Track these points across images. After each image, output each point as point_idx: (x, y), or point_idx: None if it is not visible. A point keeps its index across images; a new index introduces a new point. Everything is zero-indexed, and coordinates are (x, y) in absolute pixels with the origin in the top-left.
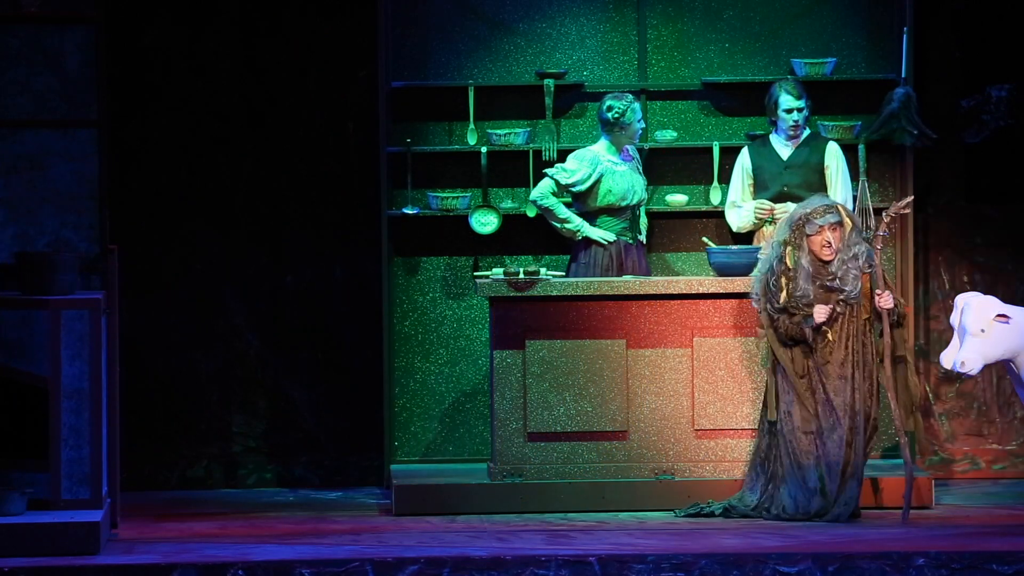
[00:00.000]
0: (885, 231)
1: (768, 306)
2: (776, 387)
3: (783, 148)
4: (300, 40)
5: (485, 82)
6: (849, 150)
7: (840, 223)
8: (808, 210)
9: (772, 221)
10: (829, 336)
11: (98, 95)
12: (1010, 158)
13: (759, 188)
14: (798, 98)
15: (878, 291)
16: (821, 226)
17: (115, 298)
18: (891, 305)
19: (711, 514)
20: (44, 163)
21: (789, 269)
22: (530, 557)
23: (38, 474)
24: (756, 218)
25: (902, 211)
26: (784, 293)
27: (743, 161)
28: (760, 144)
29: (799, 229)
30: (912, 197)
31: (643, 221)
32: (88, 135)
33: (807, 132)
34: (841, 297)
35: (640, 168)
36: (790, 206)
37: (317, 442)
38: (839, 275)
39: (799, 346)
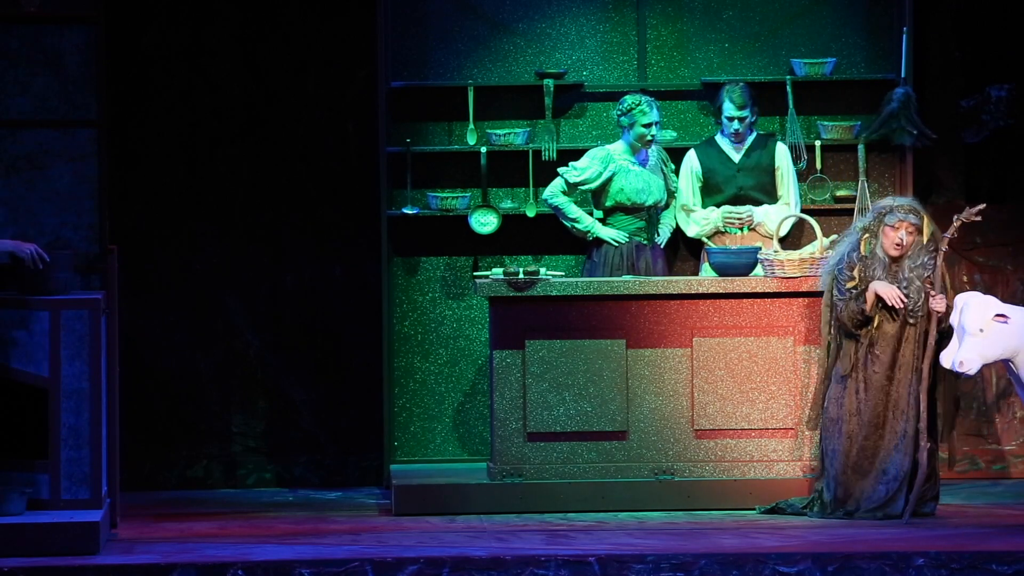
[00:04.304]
0: (954, 234)
1: (835, 293)
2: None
3: (732, 151)
4: (300, 40)
5: (485, 82)
6: (849, 150)
7: (919, 229)
8: (895, 203)
9: (752, 229)
10: (879, 332)
11: (98, 95)
12: (1010, 158)
13: (711, 192)
14: (739, 108)
15: (933, 292)
16: (901, 220)
17: (115, 298)
18: (942, 309)
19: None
20: (44, 163)
21: (864, 257)
22: (530, 557)
23: (38, 474)
24: (725, 225)
25: (973, 218)
26: (854, 282)
27: (691, 164)
28: (707, 146)
29: (880, 218)
30: (984, 205)
31: (666, 223)
32: (88, 135)
33: (754, 134)
34: (906, 308)
35: (664, 170)
36: (751, 208)
37: (317, 442)
38: (906, 281)
39: (854, 340)
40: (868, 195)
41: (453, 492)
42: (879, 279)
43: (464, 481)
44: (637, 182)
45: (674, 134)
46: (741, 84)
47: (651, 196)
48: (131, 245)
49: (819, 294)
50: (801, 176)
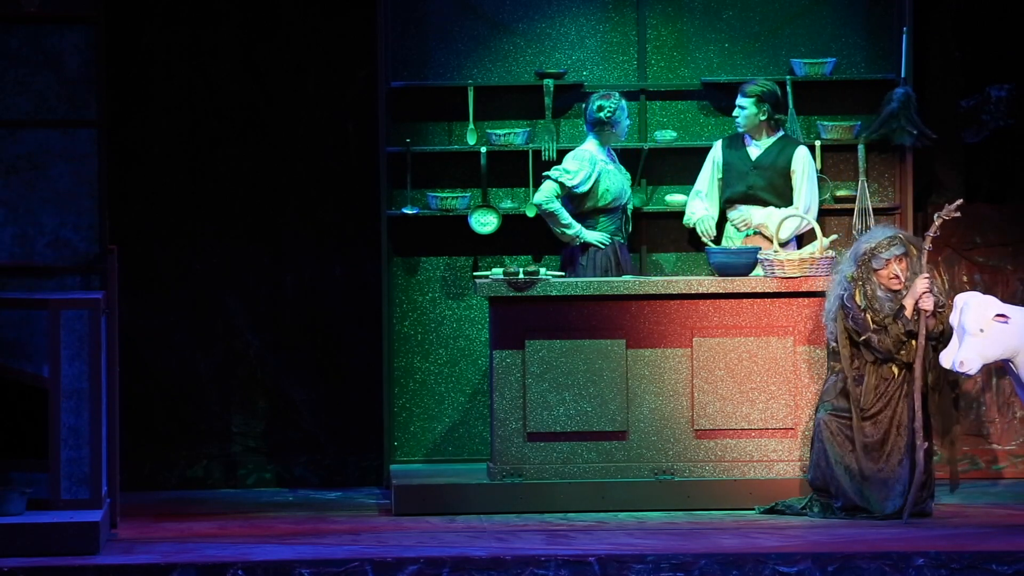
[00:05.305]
0: (936, 232)
1: (857, 337)
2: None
3: (754, 148)
4: (300, 40)
5: (485, 82)
6: (849, 150)
7: (906, 253)
8: (872, 244)
9: (757, 232)
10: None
11: (98, 95)
12: (1010, 158)
13: (724, 186)
14: (742, 96)
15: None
16: (887, 260)
17: (115, 298)
18: (930, 308)
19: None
20: (44, 163)
21: (866, 308)
22: (530, 557)
23: (38, 474)
24: (738, 226)
25: (953, 214)
26: (871, 323)
27: (715, 154)
28: (732, 140)
29: (865, 264)
30: (961, 200)
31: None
32: (88, 135)
33: (779, 134)
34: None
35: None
36: (752, 210)
37: (317, 442)
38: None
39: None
40: (868, 195)
41: (453, 492)
42: (893, 309)
43: (464, 481)
44: (618, 182)
45: (674, 134)
46: (763, 82)
47: (626, 194)
48: (131, 245)
49: (819, 294)
50: None
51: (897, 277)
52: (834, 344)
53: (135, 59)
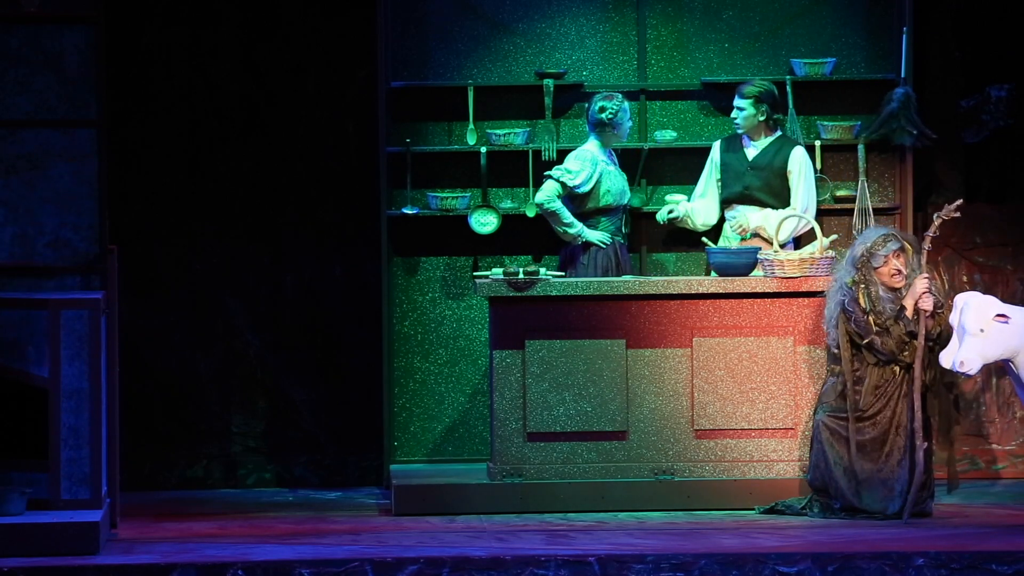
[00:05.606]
0: (935, 232)
1: (860, 340)
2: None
3: (751, 148)
4: (300, 40)
5: (485, 82)
6: (849, 150)
7: (902, 248)
8: (868, 244)
9: (755, 234)
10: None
11: (98, 95)
12: (1009, 158)
13: (722, 186)
14: (740, 97)
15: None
16: (886, 256)
17: (115, 298)
18: (929, 308)
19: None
20: (44, 163)
21: (870, 311)
22: (530, 557)
23: (38, 474)
24: (735, 232)
25: (952, 214)
26: (873, 325)
27: (713, 154)
28: (731, 140)
29: (865, 266)
30: (961, 200)
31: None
32: (88, 135)
33: (777, 134)
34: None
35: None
36: (748, 211)
37: (317, 442)
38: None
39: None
40: (868, 195)
41: (453, 492)
42: (895, 310)
43: (464, 481)
44: (619, 183)
45: (674, 134)
46: (760, 83)
47: (626, 195)
48: (131, 245)
49: (819, 294)
50: None
51: (899, 272)
52: (836, 350)
53: (135, 59)
